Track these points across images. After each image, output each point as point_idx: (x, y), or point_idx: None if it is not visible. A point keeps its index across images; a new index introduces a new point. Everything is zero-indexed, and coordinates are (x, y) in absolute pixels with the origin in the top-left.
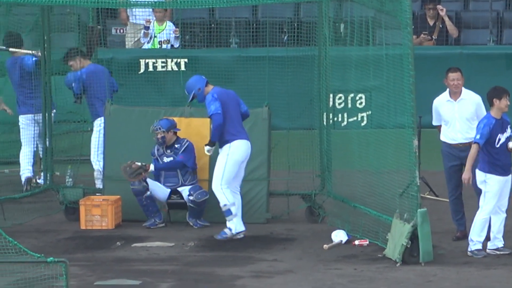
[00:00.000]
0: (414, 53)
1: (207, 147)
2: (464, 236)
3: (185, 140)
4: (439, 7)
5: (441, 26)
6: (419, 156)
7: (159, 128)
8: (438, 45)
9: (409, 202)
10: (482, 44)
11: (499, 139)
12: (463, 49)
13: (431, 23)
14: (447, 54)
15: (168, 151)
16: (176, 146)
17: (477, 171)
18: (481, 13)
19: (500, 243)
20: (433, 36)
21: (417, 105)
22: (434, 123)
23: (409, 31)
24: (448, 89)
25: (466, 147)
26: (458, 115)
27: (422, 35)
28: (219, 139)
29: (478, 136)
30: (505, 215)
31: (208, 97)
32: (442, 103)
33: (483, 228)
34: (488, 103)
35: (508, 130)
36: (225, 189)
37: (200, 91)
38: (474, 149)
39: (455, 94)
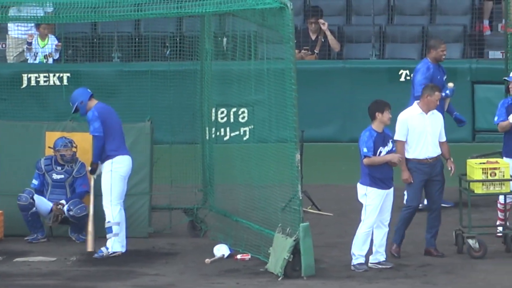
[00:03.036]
0: (297, 67)
1: (91, 169)
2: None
3: (78, 160)
4: (321, 21)
5: (323, 40)
6: (301, 170)
7: (71, 144)
8: (320, 59)
9: (291, 216)
10: (365, 59)
11: (380, 152)
12: (346, 63)
13: (313, 37)
14: (330, 68)
15: (59, 168)
16: (70, 164)
17: (358, 185)
18: (364, 27)
19: (382, 257)
20: (315, 51)
21: (299, 120)
22: (402, 138)
23: (291, 45)
24: (416, 103)
25: (435, 161)
26: (431, 129)
27: (303, 50)
28: (101, 157)
29: (365, 150)
30: (387, 229)
31: (89, 114)
32: (413, 116)
33: (365, 242)
34: (370, 117)
35: (390, 143)
36: (115, 205)
37: (82, 104)
38: (366, 162)
39: (426, 109)
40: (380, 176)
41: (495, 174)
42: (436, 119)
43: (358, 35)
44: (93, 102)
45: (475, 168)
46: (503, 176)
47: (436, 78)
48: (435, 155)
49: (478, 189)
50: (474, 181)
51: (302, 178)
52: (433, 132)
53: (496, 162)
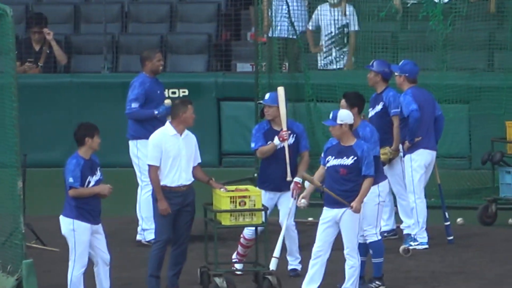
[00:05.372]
0: (18, 82)
1: None
2: None
3: None
4: (46, 30)
5: (48, 51)
6: (24, 200)
7: None
8: (45, 73)
9: (12, 252)
10: (96, 72)
11: (89, 182)
12: (74, 77)
13: (37, 48)
14: (56, 83)
15: None
16: None
17: (62, 218)
18: (94, 36)
19: None
20: (39, 63)
21: (21, 142)
22: (155, 162)
23: (12, 57)
24: (168, 123)
25: (188, 189)
26: (185, 153)
27: (27, 63)
28: None
29: (71, 180)
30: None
31: None
32: (167, 138)
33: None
34: (77, 142)
35: (98, 172)
36: None
37: None
38: (72, 194)
39: (182, 129)
40: (88, 208)
41: (245, 204)
42: (190, 141)
43: (87, 46)
44: None
45: (223, 196)
46: (254, 205)
47: (156, 93)
48: (188, 182)
49: (226, 220)
50: (221, 211)
51: (24, 209)
52: (188, 156)
53: (246, 189)
